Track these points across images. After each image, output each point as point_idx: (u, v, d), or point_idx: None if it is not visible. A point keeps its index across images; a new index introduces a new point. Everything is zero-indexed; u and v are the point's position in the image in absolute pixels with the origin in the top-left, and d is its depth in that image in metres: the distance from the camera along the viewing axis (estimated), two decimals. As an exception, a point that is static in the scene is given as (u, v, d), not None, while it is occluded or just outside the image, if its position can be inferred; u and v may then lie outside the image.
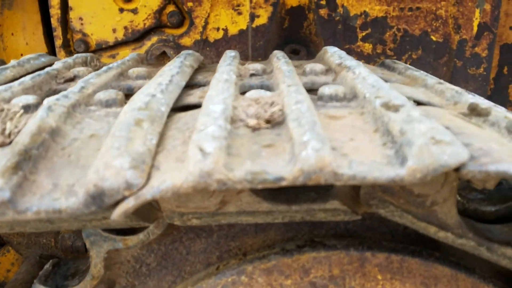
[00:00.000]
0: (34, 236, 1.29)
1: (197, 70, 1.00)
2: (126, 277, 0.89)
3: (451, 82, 1.34)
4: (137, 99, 0.65)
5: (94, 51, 1.35)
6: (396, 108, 0.59)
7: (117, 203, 0.52)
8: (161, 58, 1.32)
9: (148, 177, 0.53)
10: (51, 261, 0.92)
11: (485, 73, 1.34)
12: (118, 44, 1.34)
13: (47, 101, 0.65)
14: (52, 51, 1.39)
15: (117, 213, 0.52)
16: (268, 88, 0.87)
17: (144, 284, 0.89)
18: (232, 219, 0.75)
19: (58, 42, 1.33)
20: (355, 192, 0.77)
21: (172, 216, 0.74)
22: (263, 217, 0.75)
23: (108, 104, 0.72)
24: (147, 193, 0.51)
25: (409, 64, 1.26)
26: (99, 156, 0.54)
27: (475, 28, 1.31)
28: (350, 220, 0.75)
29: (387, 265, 0.74)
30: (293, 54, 1.38)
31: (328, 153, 0.51)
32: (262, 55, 1.34)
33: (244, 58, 1.33)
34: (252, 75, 0.90)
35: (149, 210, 0.78)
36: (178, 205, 0.72)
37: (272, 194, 0.77)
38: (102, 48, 1.35)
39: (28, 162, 0.56)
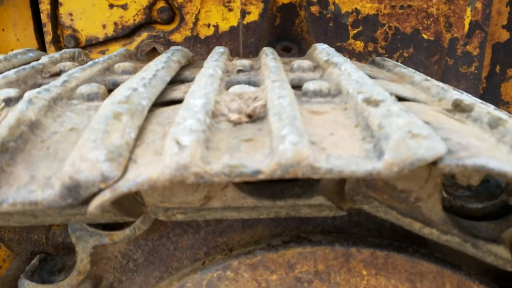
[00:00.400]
0: (25, 232, 1.29)
1: (186, 66, 1.00)
2: (113, 273, 0.89)
3: (442, 80, 1.34)
4: (117, 93, 0.65)
5: (84, 47, 1.34)
6: (376, 103, 0.59)
7: (93, 196, 0.52)
8: (151, 55, 1.32)
9: (125, 170, 0.53)
10: (38, 256, 0.92)
11: (476, 71, 1.34)
12: (108, 40, 1.34)
13: (27, 94, 0.64)
14: (42, 47, 1.38)
15: (94, 205, 0.51)
16: (255, 84, 0.86)
17: (131, 279, 0.89)
18: (217, 214, 0.75)
19: (48, 37, 1.33)
20: (340, 188, 0.77)
21: (156, 211, 0.73)
22: (248, 213, 0.75)
23: (90, 98, 0.71)
24: (123, 186, 0.51)
25: (401, 62, 1.26)
26: (75, 149, 0.54)
27: (467, 27, 1.30)
28: (335, 215, 0.75)
29: (372, 261, 0.74)
30: (285, 52, 1.37)
31: (306, 147, 0.50)
32: (253, 52, 1.34)
33: (235, 55, 1.33)
34: (239, 71, 0.90)
35: (133, 205, 0.77)
36: (162, 200, 0.72)
37: (257, 190, 0.77)
38: (92, 44, 1.34)
39: (5, 154, 0.56)
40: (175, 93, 0.78)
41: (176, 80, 0.89)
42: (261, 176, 0.51)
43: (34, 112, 0.65)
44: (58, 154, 0.60)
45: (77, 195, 0.51)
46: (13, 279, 1.19)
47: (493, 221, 0.81)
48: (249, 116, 0.64)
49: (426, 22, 1.31)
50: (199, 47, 1.34)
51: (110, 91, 0.76)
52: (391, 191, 0.70)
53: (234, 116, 0.64)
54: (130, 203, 0.77)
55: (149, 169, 0.52)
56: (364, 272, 0.74)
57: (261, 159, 0.52)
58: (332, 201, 0.74)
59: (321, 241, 0.77)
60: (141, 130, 0.63)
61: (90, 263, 0.84)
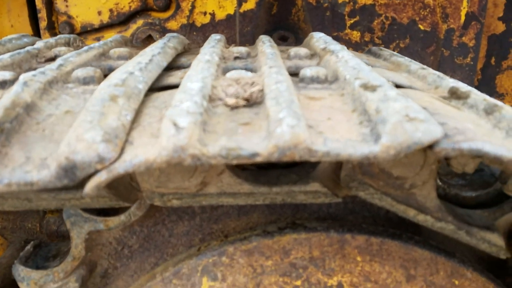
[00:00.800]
0: (19, 220, 1.28)
1: (182, 53, 1.00)
2: (108, 259, 0.89)
3: (438, 71, 1.34)
4: (114, 76, 0.65)
5: (79, 34, 1.33)
6: (373, 88, 0.59)
7: (89, 177, 0.52)
8: (147, 42, 1.30)
9: (121, 152, 0.53)
10: (32, 242, 0.91)
11: (472, 63, 1.34)
12: (104, 27, 1.33)
13: (23, 77, 0.64)
14: (37, 33, 1.37)
15: (90, 187, 0.51)
16: (252, 70, 0.86)
17: (126, 266, 0.89)
18: (213, 200, 0.75)
19: (43, 24, 1.32)
20: (335, 175, 0.77)
21: (152, 196, 0.73)
22: (244, 199, 0.75)
23: (85, 81, 0.71)
24: (119, 167, 0.51)
25: (397, 53, 1.26)
26: (71, 130, 0.54)
27: (463, 18, 1.31)
28: (331, 202, 0.75)
29: (367, 247, 0.75)
30: (281, 41, 1.37)
31: (303, 130, 0.50)
32: (250, 41, 1.33)
33: (232, 43, 1.32)
34: (236, 58, 0.90)
35: (129, 190, 0.77)
36: (157, 185, 0.71)
37: (254, 176, 0.77)
38: (87, 31, 1.33)
39: (0, 135, 0.55)
40: (171, 79, 0.78)
41: (172, 66, 0.88)
42: (259, 159, 0.51)
43: (29, 94, 0.64)
44: (53, 135, 0.59)
45: (73, 176, 0.51)
46: (7, 267, 1.18)
47: (487, 209, 0.82)
48: (246, 100, 0.64)
49: (422, 13, 1.31)
50: (195, 35, 1.33)
51: (105, 76, 0.76)
52: (386, 178, 0.71)
53: (231, 101, 0.64)
54: (126, 188, 0.77)
55: (145, 151, 0.52)
56: (359, 258, 0.75)
57: (258, 141, 0.52)
58: (328, 187, 0.75)
59: (316, 228, 0.77)
60: (138, 113, 0.62)
61: (85, 249, 0.84)
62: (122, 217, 0.83)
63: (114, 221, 0.83)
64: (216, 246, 0.77)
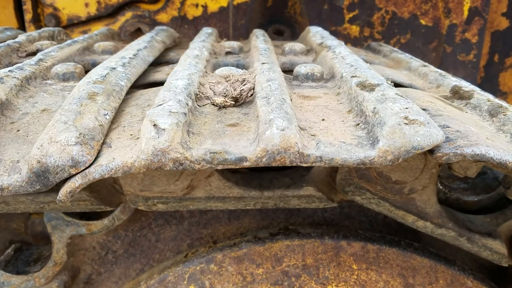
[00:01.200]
0: (4, 221, 1.24)
1: (172, 47, 0.95)
2: (92, 264, 0.85)
3: (440, 68, 1.29)
4: (94, 73, 0.60)
5: (65, 27, 1.28)
6: (371, 88, 0.55)
7: (63, 182, 0.48)
8: (135, 35, 1.25)
9: (98, 155, 0.49)
10: (13, 245, 0.87)
11: (475, 60, 1.30)
12: (91, 20, 1.27)
13: (-3, 72, 0.60)
14: (22, 26, 1.32)
15: (63, 192, 0.47)
16: (244, 67, 0.82)
17: (111, 271, 0.85)
18: (201, 204, 0.71)
19: (28, 16, 1.26)
20: (331, 179, 0.73)
21: (135, 200, 0.69)
22: (234, 203, 0.71)
23: (65, 77, 0.67)
24: (95, 172, 0.47)
25: (398, 49, 1.22)
26: (45, 131, 0.50)
27: (466, 13, 1.26)
28: (326, 207, 0.71)
29: (363, 255, 0.71)
30: (277, 35, 1.32)
31: (294, 133, 0.46)
32: (244, 35, 1.28)
33: (225, 37, 1.27)
34: (227, 53, 0.85)
35: (111, 194, 0.73)
36: (141, 188, 0.67)
37: (245, 179, 0.73)
38: (74, 24, 1.28)
39: (-32, 136, 0.51)
40: (158, 75, 0.74)
41: (161, 61, 0.84)
42: (246, 164, 0.47)
43: (4, 91, 0.60)
44: (28, 136, 0.55)
45: (46, 181, 0.47)
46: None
47: (489, 214, 0.78)
48: (236, 99, 0.60)
49: (424, 7, 1.27)
50: (186, 28, 1.28)
51: (88, 71, 0.71)
52: (384, 182, 0.67)
53: (219, 99, 0.60)
54: (108, 192, 0.73)
55: (123, 154, 0.47)
56: (355, 266, 0.71)
57: (246, 145, 0.48)
58: (323, 192, 0.71)
59: (310, 234, 0.73)
60: (118, 112, 0.58)
61: (67, 253, 0.79)
62: (106, 221, 0.78)
63: (97, 225, 0.79)
64: (204, 253, 0.73)
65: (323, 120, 0.54)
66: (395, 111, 0.48)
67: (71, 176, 0.47)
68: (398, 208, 0.69)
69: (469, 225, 0.73)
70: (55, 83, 0.67)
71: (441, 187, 0.83)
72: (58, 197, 0.47)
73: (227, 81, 0.66)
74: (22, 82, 0.64)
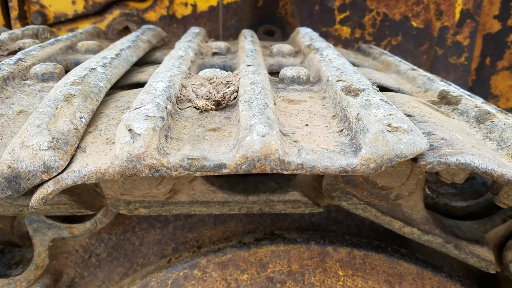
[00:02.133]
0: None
1: (159, 47, 0.94)
2: (75, 268, 0.83)
3: (431, 71, 1.28)
4: (73, 73, 0.59)
5: (52, 25, 1.26)
6: (356, 93, 0.54)
7: (36, 187, 0.46)
8: (123, 34, 1.23)
9: (71, 160, 0.47)
10: (-6, 248, 0.85)
11: (466, 62, 1.29)
12: (78, 17, 1.25)
13: (-29, 73, 0.58)
14: (9, 24, 1.29)
15: (35, 199, 0.45)
16: (231, 68, 0.80)
17: (94, 275, 0.83)
18: (184, 209, 0.69)
19: (14, 13, 1.24)
20: (317, 183, 0.72)
21: (117, 204, 0.67)
22: (218, 208, 0.69)
23: (44, 78, 0.65)
24: (67, 178, 0.45)
25: (388, 51, 1.21)
26: (17, 134, 0.48)
27: (457, 15, 1.25)
28: (312, 212, 0.70)
29: (349, 261, 0.70)
30: (268, 35, 1.31)
31: (275, 139, 0.45)
32: (234, 35, 1.27)
33: (215, 37, 1.26)
34: (214, 54, 0.84)
35: (93, 197, 0.71)
36: (122, 192, 0.66)
37: (229, 184, 0.71)
38: (61, 22, 1.26)
39: None
40: (141, 75, 0.72)
41: (146, 61, 0.83)
42: (225, 171, 0.45)
43: (-21, 92, 0.58)
44: (2, 139, 0.53)
45: (17, 187, 0.45)
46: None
47: (477, 220, 0.77)
48: (218, 103, 0.58)
49: (416, 9, 1.26)
50: (175, 28, 1.27)
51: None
52: (370, 188, 0.65)
53: (201, 103, 0.58)
54: (89, 195, 0.71)
55: (97, 160, 0.46)
56: (341, 273, 0.70)
57: (225, 151, 0.47)
58: (309, 197, 0.69)
59: (296, 239, 0.72)
60: (96, 114, 0.57)
61: (49, 257, 0.78)
62: (88, 224, 0.77)
63: (79, 228, 0.77)
64: (187, 258, 0.71)
65: (306, 125, 0.53)
66: (379, 117, 0.47)
67: (43, 182, 0.46)
68: (384, 214, 0.68)
69: (456, 232, 0.72)
70: (33, 84, 0.66)
71: (429, 192, 0.82)
72: (30, 204, 0.45)
73: (210, 83, 0.64)
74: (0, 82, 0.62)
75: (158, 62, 0.83)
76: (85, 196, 0.70)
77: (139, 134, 0.45)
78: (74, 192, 0.69)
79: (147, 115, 0.48)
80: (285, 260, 0.70)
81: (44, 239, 0.77)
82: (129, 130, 0.46)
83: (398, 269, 0.70)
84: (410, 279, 0.70)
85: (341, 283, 0.69)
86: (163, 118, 0.49)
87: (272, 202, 0.69)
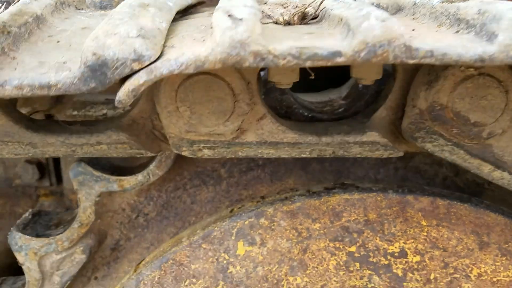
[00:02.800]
0: (9, 205, 1.15)
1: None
2: (120, 229, 0.76)
3: None
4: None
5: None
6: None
7: (124, 80, 0.40)
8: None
9: (162, 53, 0.42)
10: (30, 210, 0.78)
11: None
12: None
13: (31, -9, 0.53)
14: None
15: (125, 91, 0.39)
16: None
17: (141, 236, 0.76)
18: (251, 151, 0.63)
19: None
20: (394, 126, 0.66)
21: (180, 144, 0.61)
22: (288, 150, 0.63)
23: (102, 6, 0.61)
24: (162, 67, 0.39)
25: None
26: (97, 28, 0.43)
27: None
28: (391, 156, 0.64)
29: (432, 210, 0.63)
30: None
31: (397, 25, 0.40)
32: None
33: None
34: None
35: (151, 140, 0.65)
36: (187, 129, 0.60)
37: (299, 126, 0.65)
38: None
39: (6, 36, 0.44)
40: (199, 13, 0.67)
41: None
42: (340, 60, 0.39)
43: (39, 7, 0.53)
44: (71, 45, 0.48)
45: (103, 78, 0.39)
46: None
47: None
48: (303, 16, 0.53)
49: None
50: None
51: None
52: (461, 124, 0.59)
53: (282, 18, 0.53)
54: (147, 137, 0.65)
55: (194, 50, 0.40)
56: (424, 223, 0.63)
57: (336, 42, 0.41)
58: (388, 139, 0.63)
59: (371, 188, 0.65)
60: (171, 28, 0.51)
61: (95, 213, 0.71)
62: (140, 176, 0.70)
63: (130, 181, 0.70)
64: (252, 207, 0.65)
65: (413, 30, 0.48)
66: (508, 7, 0.42)
67: (133, 73, 0.40)
68: (473, 156, 0.62)
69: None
70: (91, 11, 0.61)
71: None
72: (117, 97, 0.39)
73: (284, 8, 0.59)
74: (56, 4, 0.57)
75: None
76: (143, 138, 0.64)
77: (240, 19, 0.40)
78: (133, 132, 0.63)
79: (245, 5, 0.42)
80: (361, 209, 0.64)
81: (90, 193, 0.71)
82: (229, 15, 0.40)
83: (485, 219, 0.64)
84: (498, 229, 0.64)
85: (425, 234, 0.63)
86: (258, 11, 0.43)
87: (348, 144, 0.63)
